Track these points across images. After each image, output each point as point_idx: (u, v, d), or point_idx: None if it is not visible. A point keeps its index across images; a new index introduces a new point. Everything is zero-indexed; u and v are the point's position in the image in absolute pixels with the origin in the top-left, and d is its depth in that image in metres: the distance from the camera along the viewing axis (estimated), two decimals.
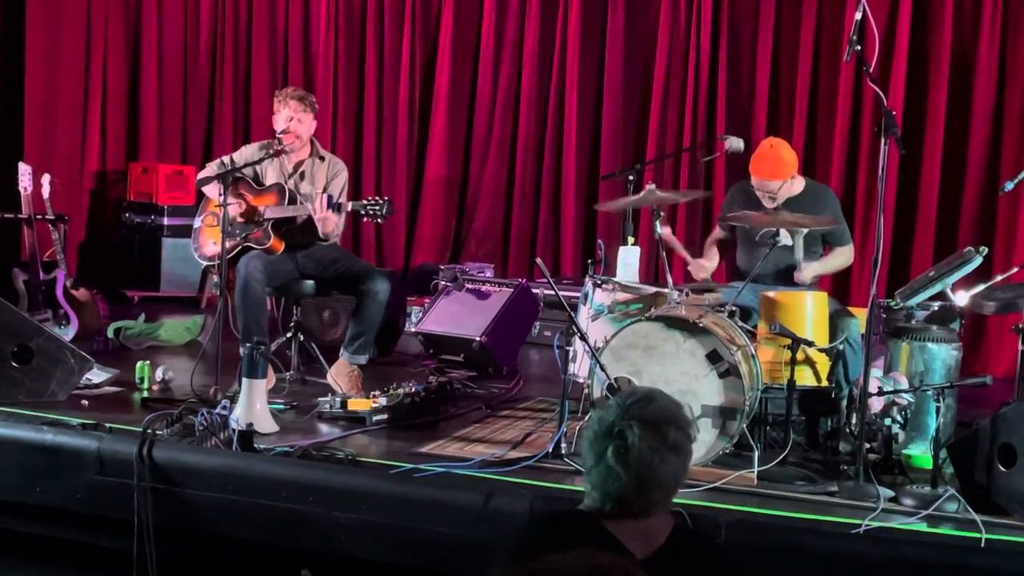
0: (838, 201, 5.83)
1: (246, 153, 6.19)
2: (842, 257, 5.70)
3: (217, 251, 5.83)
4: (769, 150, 5.57)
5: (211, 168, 6.18)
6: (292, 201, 5.97)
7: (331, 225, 5.95)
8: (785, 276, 5.46)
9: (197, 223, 6.20)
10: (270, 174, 6.11)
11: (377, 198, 5.86)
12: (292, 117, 6.04)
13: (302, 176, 6.12)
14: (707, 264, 5.81)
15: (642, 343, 4.67)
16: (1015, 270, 5.13)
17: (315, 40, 9.28)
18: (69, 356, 5.40)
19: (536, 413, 5.71)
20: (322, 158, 6.18)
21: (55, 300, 6.68)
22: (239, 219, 6.00)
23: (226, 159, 6.21)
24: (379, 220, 5.90)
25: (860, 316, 5.08)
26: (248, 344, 5.10)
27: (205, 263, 6.21)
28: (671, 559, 2.55)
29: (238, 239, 5.96)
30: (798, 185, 5.63)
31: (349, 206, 5.94)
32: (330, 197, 5.90)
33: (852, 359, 5.01)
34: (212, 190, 6.04)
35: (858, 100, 7.71)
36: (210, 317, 6.88)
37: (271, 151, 6.06)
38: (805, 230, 5.34)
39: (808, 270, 5.44)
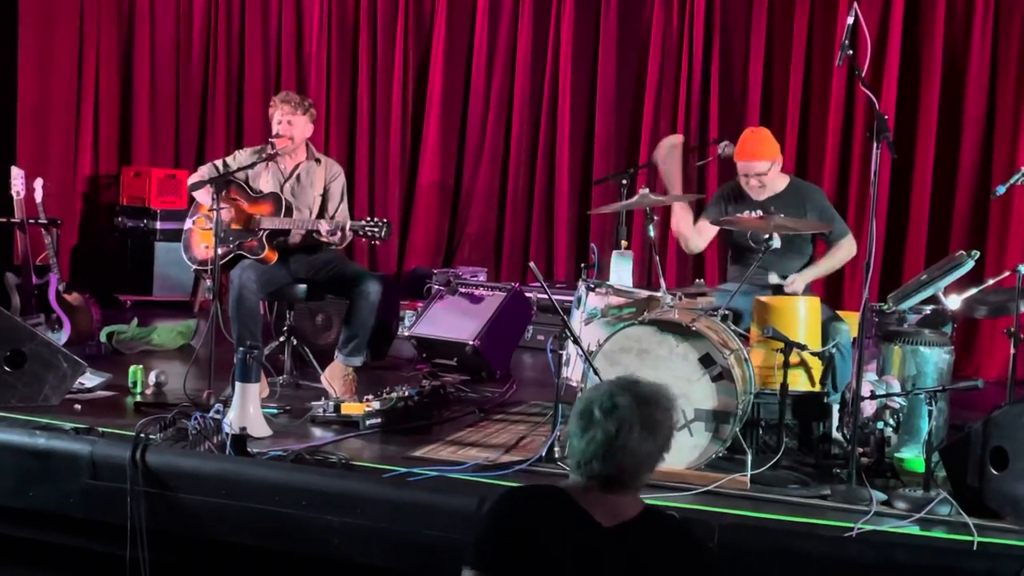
0: (825, 195, 5.82)
1: (240, 158, 6.17)
2: (842, 251, 5.63)
3: (208, 255, 5.82)
4: (751, 134, 5.65)
5: (204, 171, 6.16)
6: (288, 212, 5.96)
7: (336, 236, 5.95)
8: (777, 289, 5.46)
9: (188, 224, 6.19)
10: (265, 179, 6.10)
11: (376, 220, 5.84)
12: (282, 120, 6.04)
13: (298, 180, 6.11)
14: (687, 218, 5.74)
15: (635, 347, 4.68)
16: (1007, 274, 5.13)
17: (308, 45, 9.28)
18: (62, 360, 5.39)
19: (529, 417, 5.71)
20: (318, 161, 6.17)
21: (48, 304, 6.67)
22: (233, 225, 5.99)
23: (219, 163, 6.20)
24: (376, 242, 5.89)
25: (852, 320, 5.09)
26: (241, 348, 5.09)
27: (195, 267, 6.19)
28: (640, 532, 2.65)
29: (231, 246, 5.95)
30: (781, 182, 5.64)
31: (349, 226, 5.88)
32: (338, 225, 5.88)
33: (841, 365, 5.01)
34: (204, 195, 6.02)
35: (850, 105, 7.73)
36: (203, 321, 6.88)
37: (263, 155, 6.05)
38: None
39: (799, 282, 5.41)
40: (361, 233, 5.83)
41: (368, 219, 5.87)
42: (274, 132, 6.04)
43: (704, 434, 4.58)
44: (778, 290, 5.34)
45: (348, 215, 6.15)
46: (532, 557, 2.59)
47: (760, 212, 5.52)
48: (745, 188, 5.60)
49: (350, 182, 8.78)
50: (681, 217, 5.75)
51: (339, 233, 5.85)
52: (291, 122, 6.04)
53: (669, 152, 5.83)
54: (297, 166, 6.13)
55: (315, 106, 6.35)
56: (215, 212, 5.61)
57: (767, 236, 5.10)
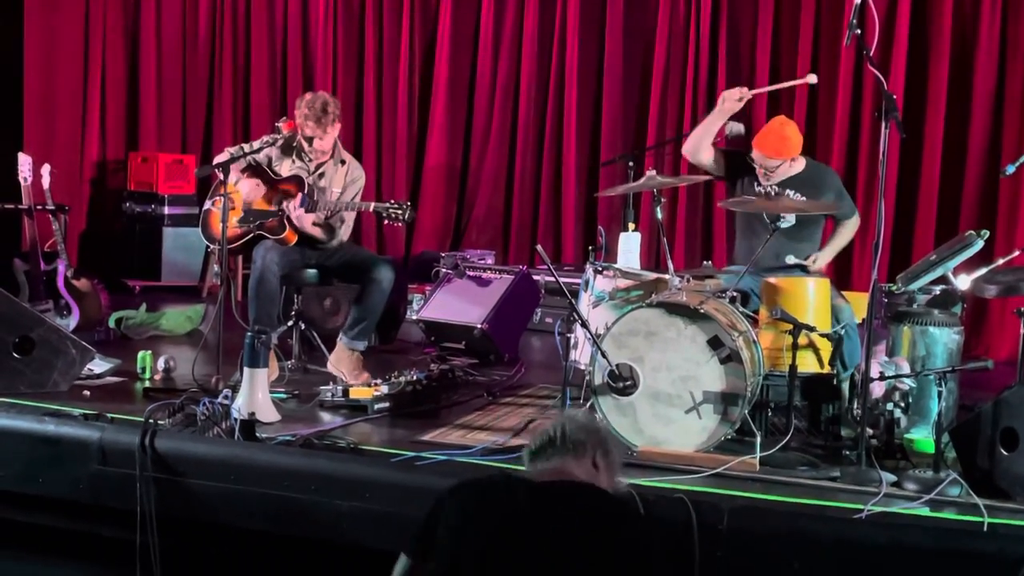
0: (838, 177, 5.87)
1: (258, 144, 6.16)
2: (847, 231, 5.75)
3: (227, 234, 5.78)
4: (778, 127, 5.62)
5: (232, 151, 6.13)
6: (311, 195, 5.96)
7: (307, 223, 5.91)
8: (785, 268, 5.44)
9: (207, 204, 6.17)
10: (288, 169, 6.08)
11: (398, 202, 5.84)
12: (323, 138, 6.00)
13: (321, 177, 6.10)
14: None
15: (643, 329, 4.66)
16: (1016, 253, 5.11)
17: (314, 28, 9.27)
18: (71, 347, 5.39)
19: (538, 400, 5.71)
20: (343, 162, 6.16)
21: (56, 290, 6.68)
22: (255, 206, 6.00)
23: (246, 146, 6.16)
24: (399, 223, 5.90)
25: (861, 301, 5.07)
26: (249, 333, 5.09)
27: (212, 246, 6.18)
28: (562, 494, 3.04)
29: (251, 226, 5.96)
30: (799, 165, 5.64)
31: (372, 207, 5.93)
32: (304, 197, 5.87)
33: (848, 344, 5.01)
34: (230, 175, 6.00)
35: (859, 84, 7.70)
36: (211, 306, 6.88)
37: (274, 139, 6.04)
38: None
39: (820, 260, 5.48)
40: (384, 214, 5.84)
41: (392, 201, 5.87)
42: (310, 147, 6.01)
43: (713, 416, 4.57)
44: (802, 268, 5.36)
45: (352, 221, 6.17)
46: (455, 541, 2.94)
47: (776, 189, 5.52)
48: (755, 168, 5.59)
49: None
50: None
51: (349, 214, 5.87)
52: (321, 137, 6.00)
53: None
54: (322, 165, 6.11)
55: (321, 90, 6.32)
56: (224, 196, 5.60)
57: (777, 216, 5.08)
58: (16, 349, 5.28)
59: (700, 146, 5.71)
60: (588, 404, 4.78)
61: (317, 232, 5.97)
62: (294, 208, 5.84)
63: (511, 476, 3.14)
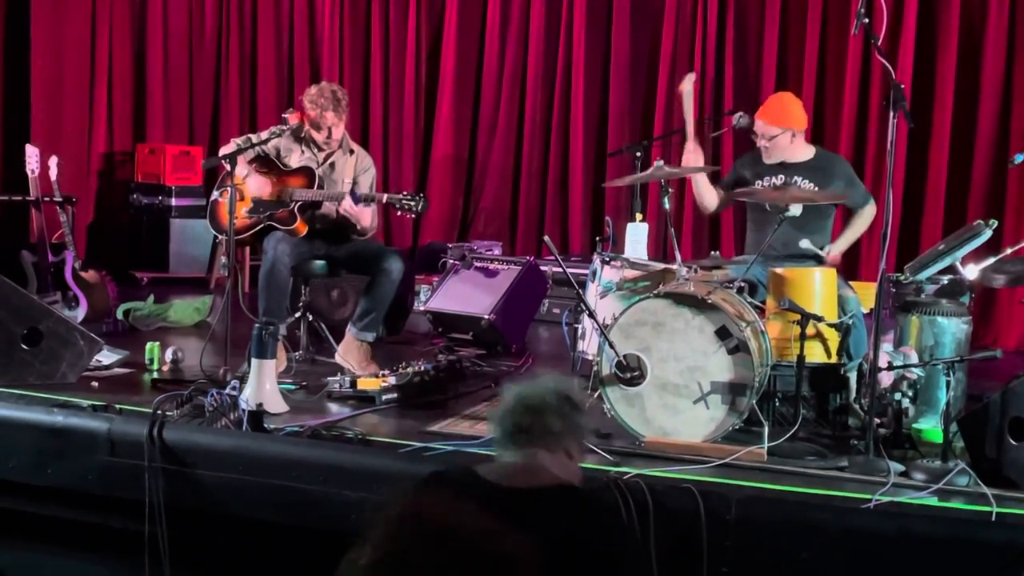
0: (849, 165, 5.85)
1: (266, 135, 6.16)
2: (863, 220, 5.73)
3: (236, 225, 5.79)
4: (779, 97, 5.75)
5: (232, 144, 6.13)
6: (320, 186, 5.97)
7: (367, 220, 5.98)
8: (795, 256, 5.44)
9: (215, 195, 6.17)
10: (297, 160, 6.09)
11: (411, 194, 5.85)
12: (330, 127, 6.01)
13: (332, 167, 6.10)
14: (699, 158, 5.75)
15: (651, 320, 4.66)
16: None
17: (320, 20, 9.27)
18: (79, 338, 5.40)
19: None
20: (351, 151, 6.16)
21: (64, 282, 6.69)
22: (265, 197, 6.00)
23: (253, 137, 6.16)
24: (412, 215, 5.91)
25: (869, 290, 5.06)
26: (257, 324, 5.09)
27: (220, 237, 6.18)
28: (533, 501, 2.65)
29: (261, 217, 5.96)
30: (807, 152, 5.64)
31: (385, 198, 5.93)
32: (354, 194, 5.88)
33: (855, 334, 5.00)
34: (239, 168, 6.00)
35: (866, 74, 7.68)
36: (219, 297, 6.89)
37: (281, 131, 6.04)
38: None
39: (835, 251, 5.47)
40: (397, 206, 5.84)
41: (405, 193, 5.88)
42: (323, 135, 6.02)
43: (720, 407, 4.57)
44: (818, 258, 5.34)
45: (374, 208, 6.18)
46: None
47: (783, 178, 5.51)
48: (758, 146, 5.62)
49: None
50: (694, 156, 5.75)
51: (372, 206, 5.89)
52: (336, 126, 6.02)
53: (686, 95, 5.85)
54: (330, 155, 6.12)
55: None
56: (232, 187, 5.59)
57: (784, 206, 5.08)
58: (24, 341, 5.29)
59: (704, 200, 5.84)
60: (596, 394, 4.78)
61: (367, 220, 6.00)
62: (350, 207, 5.84)
63: (477, 479, 2.78)
